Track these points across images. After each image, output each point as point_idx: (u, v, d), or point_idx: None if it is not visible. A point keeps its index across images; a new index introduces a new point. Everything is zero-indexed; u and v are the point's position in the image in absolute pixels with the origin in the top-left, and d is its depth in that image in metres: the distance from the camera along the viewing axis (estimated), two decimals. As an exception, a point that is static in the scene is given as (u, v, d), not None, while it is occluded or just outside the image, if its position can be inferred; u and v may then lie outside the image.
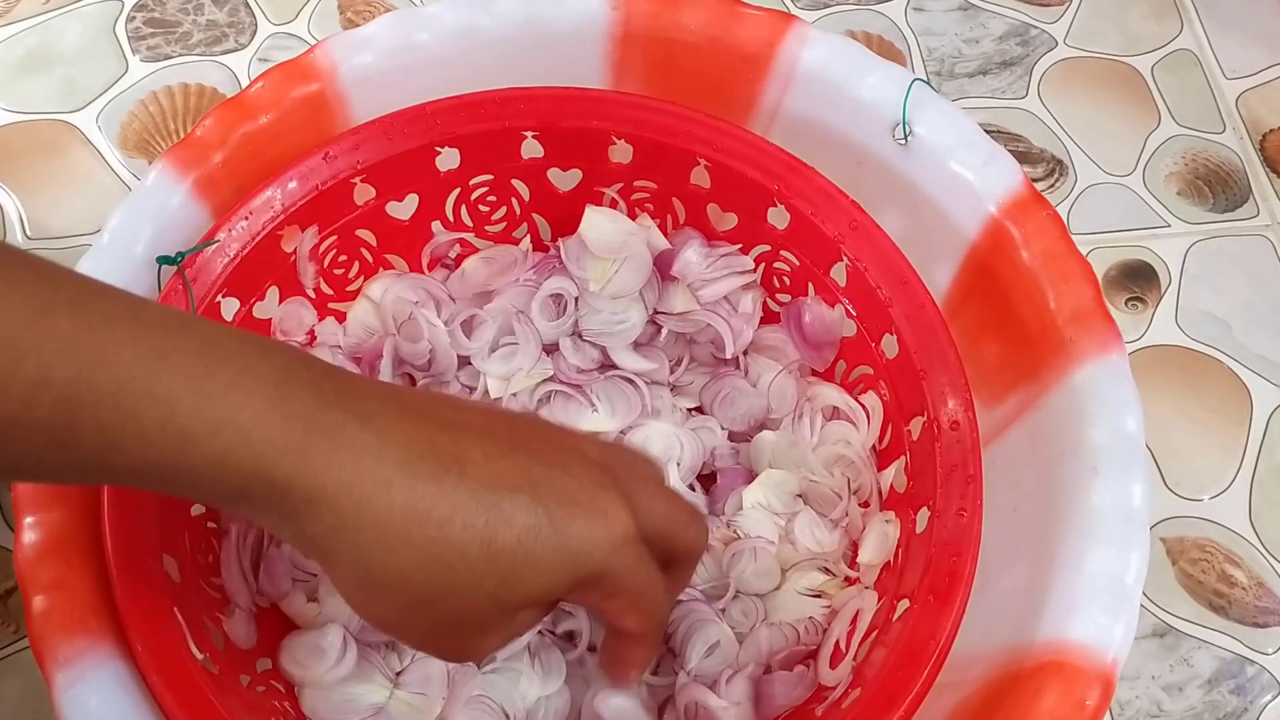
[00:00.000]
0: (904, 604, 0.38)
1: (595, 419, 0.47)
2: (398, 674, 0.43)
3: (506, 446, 0.31)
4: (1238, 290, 0.60)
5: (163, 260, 0.42)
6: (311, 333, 0.47)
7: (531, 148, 0.46)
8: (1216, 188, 0.63)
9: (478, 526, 0.29)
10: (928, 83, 0.46)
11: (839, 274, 0.44)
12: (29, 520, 0.38)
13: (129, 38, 0.64)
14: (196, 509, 0.41)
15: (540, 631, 0.44)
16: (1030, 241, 0.43)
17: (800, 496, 0.46)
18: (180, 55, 0.64)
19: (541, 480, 0.30)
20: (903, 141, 0.45)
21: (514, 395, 0.47)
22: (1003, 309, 0.44)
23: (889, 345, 0.43)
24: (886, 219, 0.44)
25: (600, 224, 0.47)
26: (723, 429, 0.48)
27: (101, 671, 0.36)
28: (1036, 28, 0.68)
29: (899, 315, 0.42)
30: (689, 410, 0.49)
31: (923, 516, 0.39)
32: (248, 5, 0.66)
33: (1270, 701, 0.50)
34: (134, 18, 0.65)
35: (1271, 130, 0.64)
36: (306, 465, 0.28)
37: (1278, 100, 0.65)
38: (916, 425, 0.41)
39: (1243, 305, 0.59)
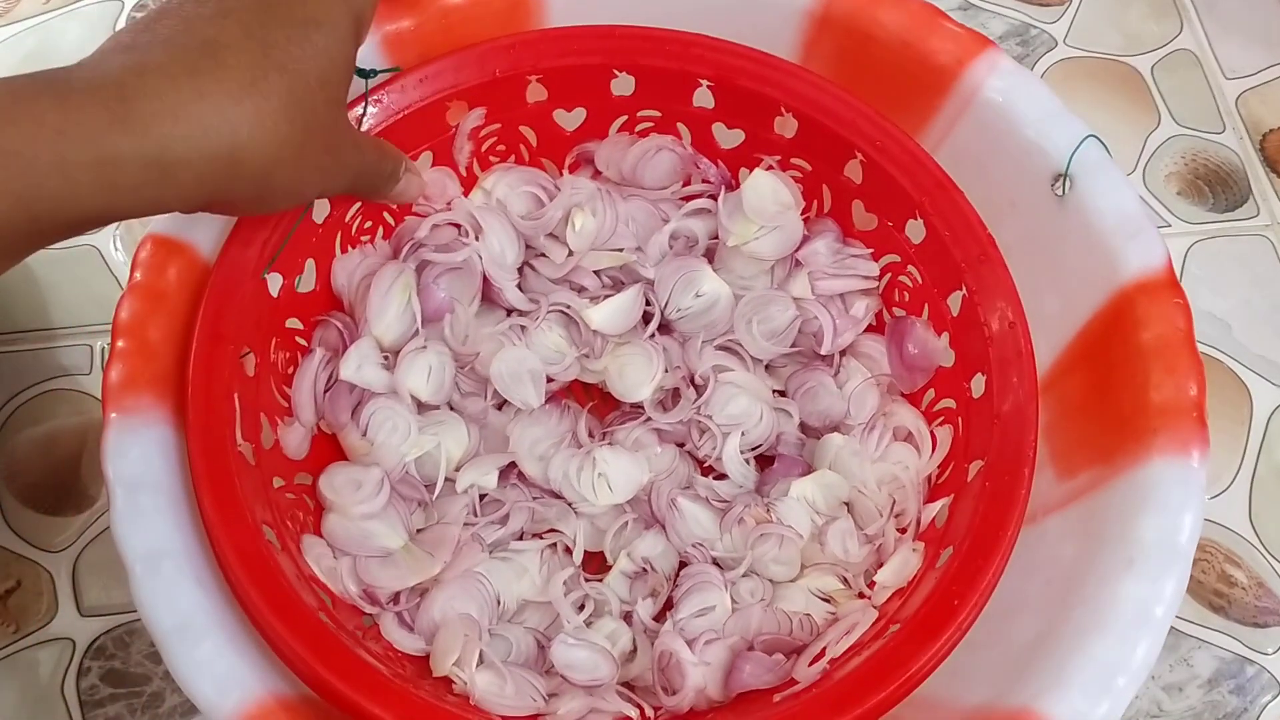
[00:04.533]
0: (894, 628, 0.38)
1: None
2: (418, 531, 0.45)
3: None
4: (1238, 290, 0.59)
5: (358, 72, 0.43)
6: (449, 203, 0.49)
7: (703, 96, 0.47)
8: (1216, 188, 0.63)
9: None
10: (1102, 142, 0.45)
11: (954, 303, 0.44)
12: (138, 277, 0.41)
13: (129, 38, 0.64)
14: (292, 321, 0.44)
15: (554, 545, 0.46)
16: (1151, 324, 0.42)
17: (846, 505, 0.46)
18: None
19: None
20: (1060, 194, 0.44)
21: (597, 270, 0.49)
22: (1104, 386, 0.43)
23: (977, 385, 0.43)
24: (1021, 266, 0.43)
25: (762, 188, 0.48)
26: (798, 418, 0.49)
27: (150, 431, 0.39)
28: (1036, 27, 0.68)
29: (995, 359, 0.42)
30: (774, 392, 0.50)
31: (945, 555, 0.40)
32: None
33: (1270, 701, 0.50)
34: (134, 18, 0.65)
35: (1271, 130, 0.64)
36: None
37: (1278, 100, 0.65)
38: (974, 469, 0.41)
39: (1243, 305, 0.59)
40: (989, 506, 0.39)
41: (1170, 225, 0.61)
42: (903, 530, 0.44)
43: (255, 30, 0.33)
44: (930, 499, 0.44)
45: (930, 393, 0.46)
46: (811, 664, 0.40)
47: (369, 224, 0.47)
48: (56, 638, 0.49)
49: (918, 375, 0.47)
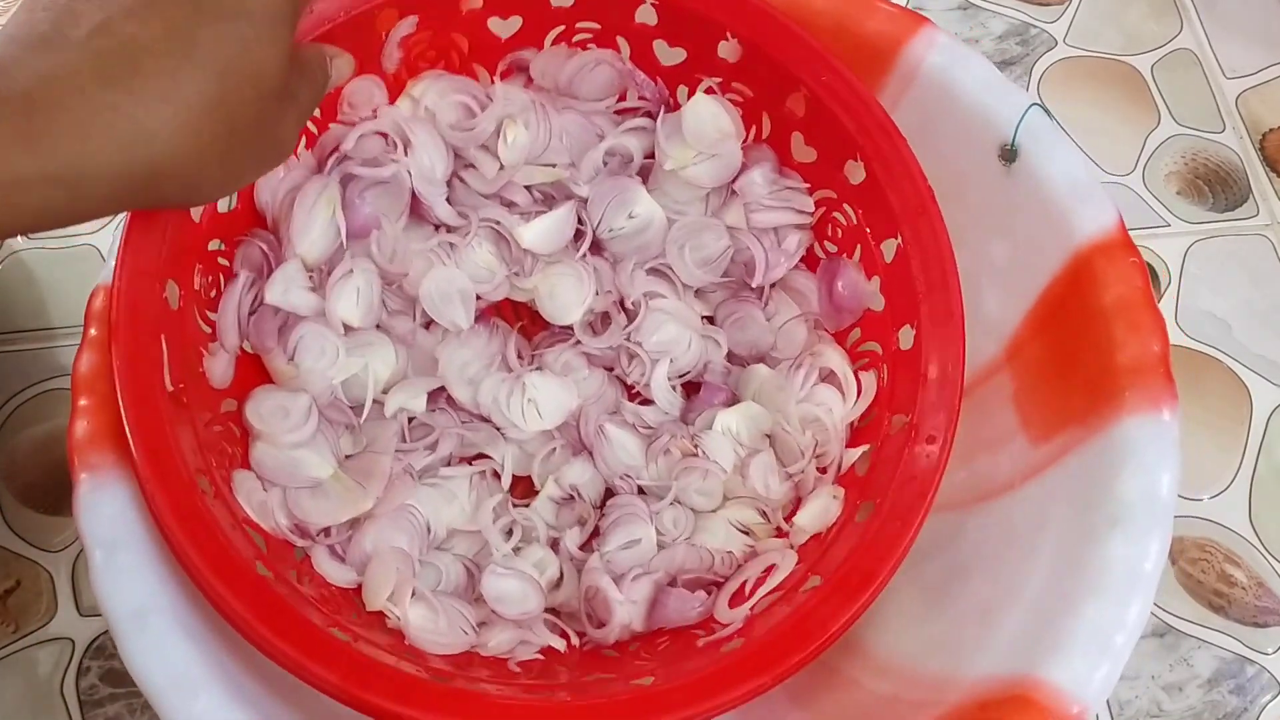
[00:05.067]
0: (815, 580, 0.39)
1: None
2: (346, 457, 0.44)
3: None
4: (1238, 290, 0.60)
5: None
6: (375, 110, 0.47)
7: (646, 13, 0.46)
8: (1216, 187, 0.63)
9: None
10: (1046, 110, 0.45)
11: (888, 249, 0.44)
12: (93, 332, 0.40)
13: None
14: (214, 244, 0.42)
15: (483, 472, 0.46)
16: (1110, 285, 0.42)
17: (768, 437, 0.46)
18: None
19: None
20: (1006, 164, 0.45)
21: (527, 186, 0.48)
22: (1068, 349, 0.44)
23: (905, 337, 0.43)
24: (975, 237, 0.44)
25: (703, 113, 0.47)
26: (726, 347, 0.49)
27: (121, 486, 0.38)
28: (1036, 27, 0.68)
29: (926, 316, 0.42)
30: (703, 318, 0.49)
31: (865, 509, 0.40)
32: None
33: (1270, 701, 0.50)
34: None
35: (1271, 130, 0.64)
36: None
37: (1278, 100, 0.65)
38: (898, 422, 0.42)
39: (1243, 305, 0.59)
40: (915, 464, 0.39)
41: (1170, 225, 0.61)
42: (823, 470, 0.45)
43: (180, 26, 0.31)
44: (851, 445, 0.44)
45: (856, 332, 0.46)
46: (732, 604, 0.41)
47: None
48: (56, 637, 0.49)
49: (845, 316, 0.47)
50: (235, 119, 0.32)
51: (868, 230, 0.45)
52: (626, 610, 0.42)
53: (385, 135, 0.47)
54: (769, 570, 0.41)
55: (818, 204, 0.47)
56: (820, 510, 0.43)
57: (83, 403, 0.39)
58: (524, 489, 0.47)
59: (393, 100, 0.48)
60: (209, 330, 0.43)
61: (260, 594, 0.36)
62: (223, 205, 0.42)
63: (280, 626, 0.35)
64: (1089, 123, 0.64)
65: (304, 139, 0.46)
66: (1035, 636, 0.38)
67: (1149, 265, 0.60)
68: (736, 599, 0.41)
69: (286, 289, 0.44)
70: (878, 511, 0.39)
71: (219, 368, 0.43)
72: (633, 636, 0.43)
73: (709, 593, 0.43)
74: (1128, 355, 0.41)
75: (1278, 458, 0.55)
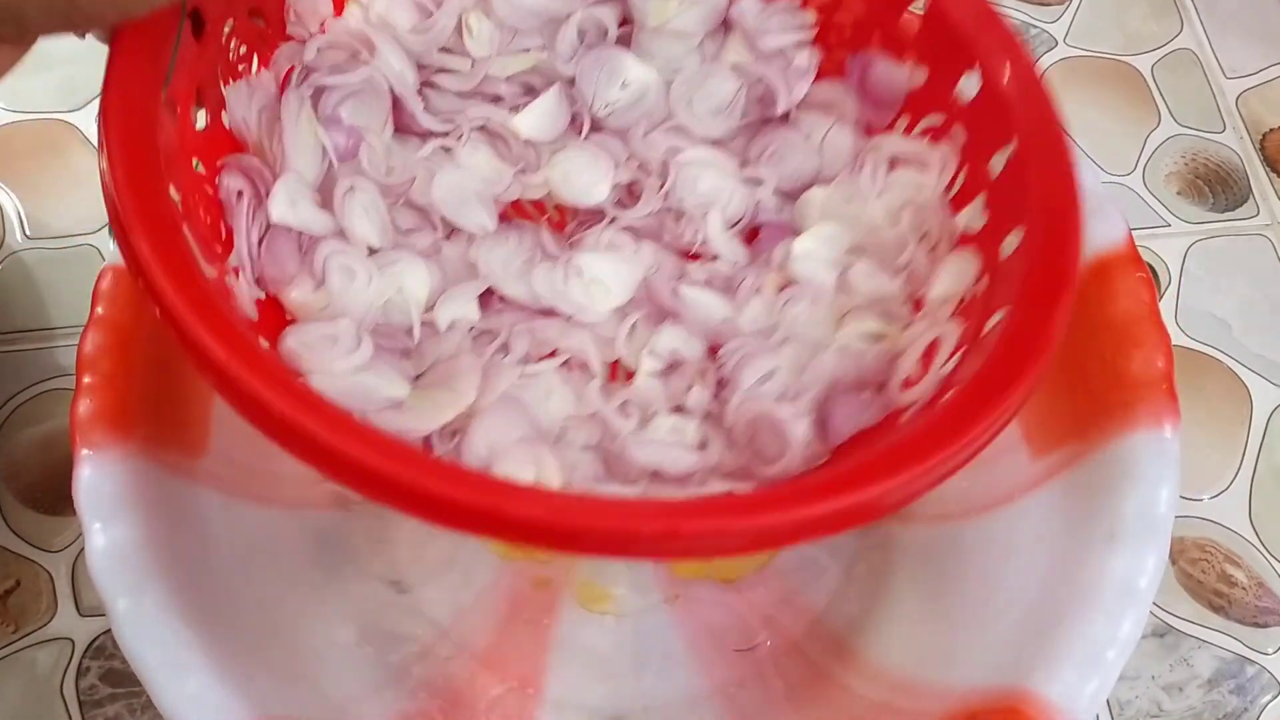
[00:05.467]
0: (999, 315, 0.34)
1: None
2: (416, 378, 0.38)
3: None
4: (1238, 290, 0.60)
5: None
6: (323, 25, 0.42)
7: None
8: (1216, 187, 0.63)
9: None
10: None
11: (910, 22, 0.41)
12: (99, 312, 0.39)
13: (129, 37, 0.64)
14: (195, 163, 0.36)
15: (568, 363, 0.40)
16: (1117, 299, 0.42)
17: (855, 251, 0.42)
18: (180, 54, 0.64)
19: None
20: None
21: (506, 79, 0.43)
22: (1073, 362, 0.42)
23: (968, 84, 0.39)
24: None
25: None
26: (773, 183, 0.44)
27: (123, 464, 0.37)
28: (1036, 27, 0.68)
29: (987, 48, 0.38)
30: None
31: (1011, 241, 0.36)
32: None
33: (1270, 701, 0.50)
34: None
35: (1272, 130, 0.64)
36: None
37: (1278, 100, 0.65)
38: (1000, 160, 0.37)
39: (1243, 305, 0.59)
40: (1045, 181, 0.35)
41: (1170, 225, 0.61)
42: (934, 248, 0.40)
43: None
44: (954, 212, 0.39)
45: (904, 120, 0.42)
46: (907, 387, 0.36)
47: (244, 49, 0.40)
48: (56, 637, 0.49)
49: (886, 110, 0.43)
50: None
51: (881, 13, 0.42)
52: (803, 425, 0.36)
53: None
54: (934, 345, 0.36)
55: (818, 8, 0.44)
56: (957, 272, 0.38)
57: (86, 380, 0.38)
58: (614, 378, 0.41)
59: (338, 13, 0.43)
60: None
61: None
62: (196, 121, 0.37)
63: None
64: (1089, 123, 0.64)
65: (255, 58, 0.41)
66: (1027, 649, 0.37)
67: (1148, 264, 0.60)
68: (909, 384, 0.36)
69: (293, 202, 0.39)
70: (1032, 231, 0.34)
71: (246, 296, 0.37)
72: (814, 465, 0.36)
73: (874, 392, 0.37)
74: (1132, 370, 0.40)
75: (1278, 458, 0.55)
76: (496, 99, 0.44)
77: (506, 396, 0.37)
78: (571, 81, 0.44)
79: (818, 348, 0.38)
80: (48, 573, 0.51)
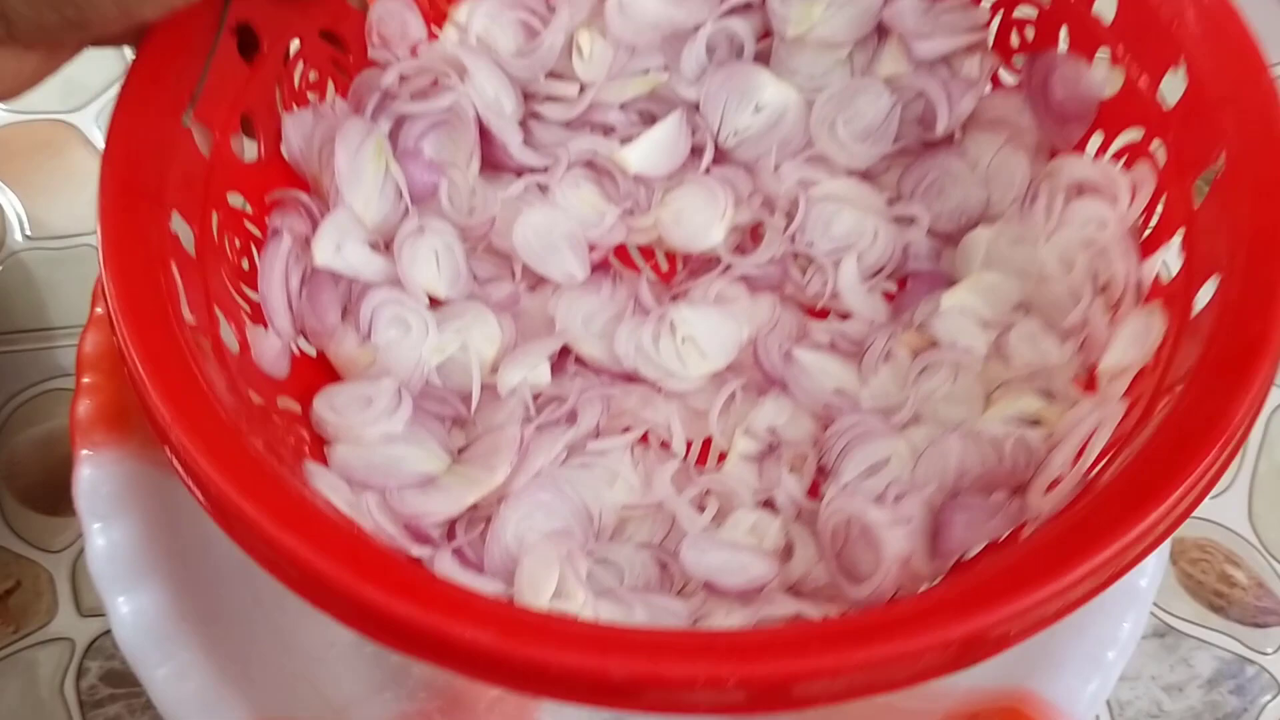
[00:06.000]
0: (1168, 399, 0.27)
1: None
2: (460, 450, 0.34)
3: None
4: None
5: None
6: (414, 49, 0.38)
7: None
8: (1217, 187, 0.63)
9: None
10: None
11: (1105, 8, 0.33)
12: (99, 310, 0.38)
13: (129, 37, 0.64)
14: (236, 198, 0.33)
15: (644, 441, 0.35)
16: None
17: (1021, 308, 0.35)
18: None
19: None
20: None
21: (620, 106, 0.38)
22: None
23: (1172, 84, 0.31)
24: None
25: None
26: (926, 221, 0.37)
27: (122, 465, 0.36)
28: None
29: (1193, 35, 0.30)
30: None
31: (1206, 291, 0.28)
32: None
33: (1270, 701, 0.50)
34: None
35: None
36: None
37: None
38: (1205, 180, 0.30)
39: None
40: (1264, 217, 0.27)
41: (1170, 225, 0.61)
42: (1116, 307, 0.33)
43: None
44: (1145, 254, 0.32)
45: (1098, 135, 0.35)
46: (1049, 490, 0.30)
47: (314, 75, 0.36)
48: (56, 638, 0.49)
49: (1074, 124, 0.35)
50: None
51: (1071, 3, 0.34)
52: (899, 536, 0.29)
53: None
54: (1091, 436, 0.30)
55: (992, 8, 0.37)
56: (1136, 336, 0.31)
57: (86, 380, 0.38)
58: (703, 457, 0.36)
59: (432, 35, 0.39)
60: (245, 305, 0.33)
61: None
62: (243, 152, 0.34)
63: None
64: None
65: (332, 85, 0.37)
66: (1028, 649, 0.37)
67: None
68: (1055, 485, 0.30)
69: (340, 245, 0.34)
70: (1229, 278, 0.27)
71: (270, 351, 0.33)
72: (917, 585, 0.30)
73: (1010, 495, 0.31)
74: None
75: (1278, 458, 0.55)
76: (607, 129, 0.39)
77: (544, 476, 0.33)
78: (695, 106, 0.38)
79: (956, 432, 0.32)
80: (48, 573, 0.51)
